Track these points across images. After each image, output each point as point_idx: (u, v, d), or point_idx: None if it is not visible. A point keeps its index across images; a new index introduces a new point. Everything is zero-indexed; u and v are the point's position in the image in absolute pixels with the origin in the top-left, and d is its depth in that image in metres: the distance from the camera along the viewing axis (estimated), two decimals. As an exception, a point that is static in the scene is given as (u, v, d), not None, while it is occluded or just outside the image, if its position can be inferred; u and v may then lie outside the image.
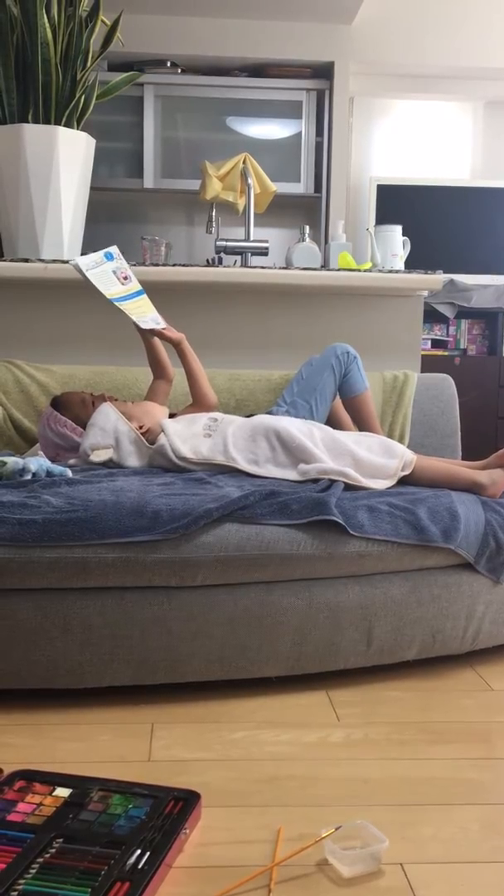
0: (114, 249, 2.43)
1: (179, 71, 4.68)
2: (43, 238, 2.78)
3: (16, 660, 1.76)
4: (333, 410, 2.58)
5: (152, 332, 2.41)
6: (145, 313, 2.39)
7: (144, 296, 2.43)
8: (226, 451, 2.20)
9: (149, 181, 4.70)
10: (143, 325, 2.37)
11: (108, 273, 2.38)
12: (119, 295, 2.36)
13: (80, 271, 2.34)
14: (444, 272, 4.37)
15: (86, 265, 2.35)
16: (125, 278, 2.39)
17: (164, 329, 2.41)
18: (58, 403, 2.41)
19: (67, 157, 2.76)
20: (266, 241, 3.40)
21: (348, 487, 2.07)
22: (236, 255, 3.48)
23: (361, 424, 2.54)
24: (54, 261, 2.67)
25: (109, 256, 2.40)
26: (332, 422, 2.55)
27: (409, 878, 1.22)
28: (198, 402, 2.48)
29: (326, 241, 4.63)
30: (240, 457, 2.18)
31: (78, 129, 2.85)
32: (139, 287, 2.42)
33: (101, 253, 2.39)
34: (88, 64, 2.80)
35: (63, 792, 1.36)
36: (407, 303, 2.94)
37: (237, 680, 1.88)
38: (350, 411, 2.57)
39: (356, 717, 1.76)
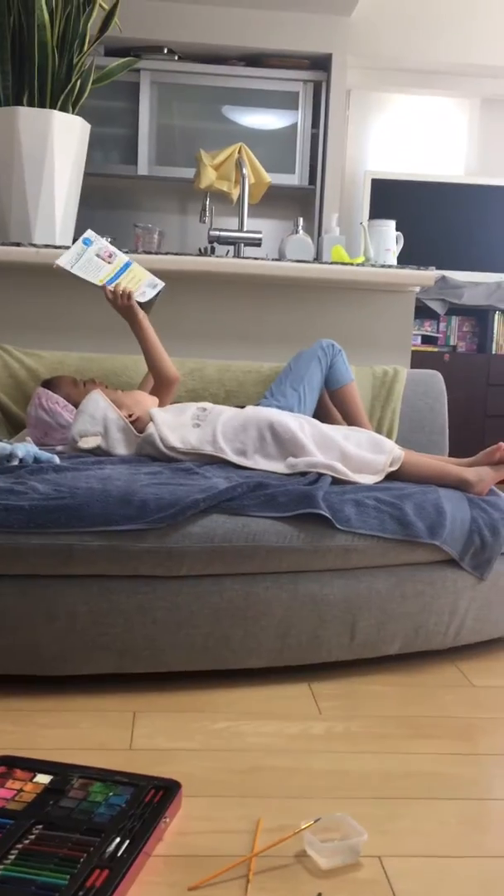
0: (90, 234, 2.40)
1: (176, 58, 4.65)
2: (35, 222, 2.76)
3: (-1, 646, 1.75)
4: (325, 406, 2.58)
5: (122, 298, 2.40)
6: (140, 280, 2.39)
7: (133, 265, 2.42)
8: (214, 441, 2.19)
9: (143, 168, 4.68)
10: (143, 299, 2.37)
11: (92, 259, 2.37)
12: (109, 277, 2.37)
13: (66, 271, 2.34)
14: (437, 268, 4.38)
15: (69, 262, 2.35)
16: (109, 256, 2.38)
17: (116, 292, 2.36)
18: (49, 384, 2.40)
19: (62, 141, 2.74)
20: (259, 232, 3.39)
21: (336, 482, 2.07)
22: (229, 245, 3.47)
23: (348, 416, 2.55)
24: (46, 245, 2.65)
25: (87, 242, 2.38)
26: (325, 418, 2.55)
27: (386, 871, 1.23)
28: (160, 378, 2.43)
29: (320, 234, 4.63)
30: (228, 447, 2.18)
31: (73, 113, 2.83)
32: (126, 259, 2.42)
33: (78, 243, 2.38)
34: (85, 48, 2.78)
35: (44, 778, 1.37)
36: (399, 298, 2.95)
37: (220, 671, 1.88)
38: (337, 403, 2.57)
39: (338, 710, 1.77)
